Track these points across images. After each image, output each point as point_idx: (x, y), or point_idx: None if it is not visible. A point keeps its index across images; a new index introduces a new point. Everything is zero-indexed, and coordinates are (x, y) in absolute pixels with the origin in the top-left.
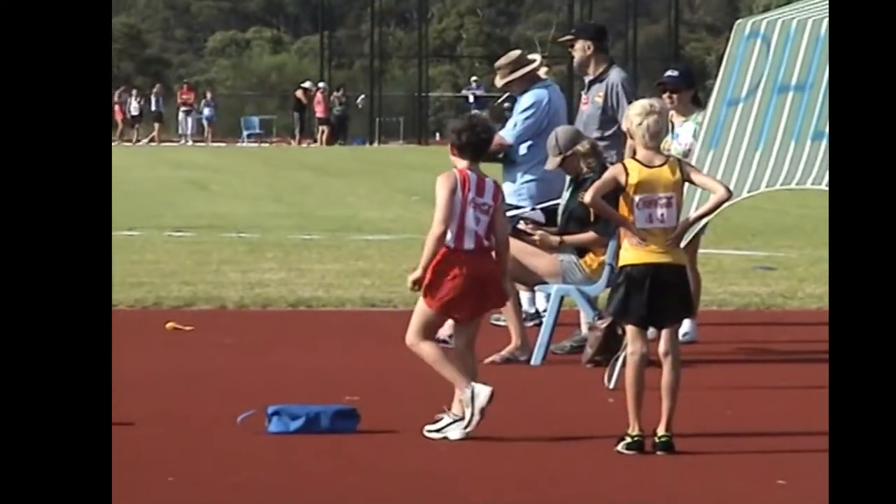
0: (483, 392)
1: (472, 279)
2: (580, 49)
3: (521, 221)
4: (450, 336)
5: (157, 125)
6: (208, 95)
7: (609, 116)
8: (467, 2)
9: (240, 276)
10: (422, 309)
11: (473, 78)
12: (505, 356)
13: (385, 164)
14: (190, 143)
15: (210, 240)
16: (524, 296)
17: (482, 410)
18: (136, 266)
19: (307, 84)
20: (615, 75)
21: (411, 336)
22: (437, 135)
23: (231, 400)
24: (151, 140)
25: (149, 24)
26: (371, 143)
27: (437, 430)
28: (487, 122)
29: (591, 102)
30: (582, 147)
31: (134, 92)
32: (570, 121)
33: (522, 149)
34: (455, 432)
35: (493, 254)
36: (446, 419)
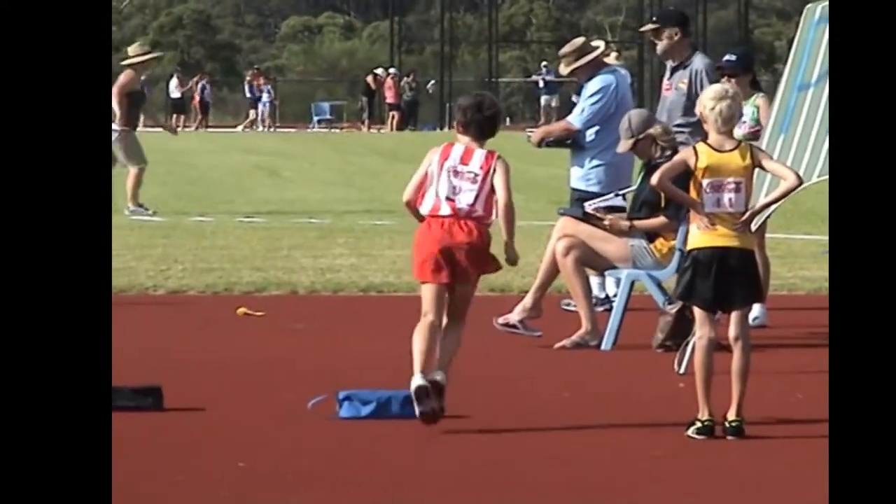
0: (414, 382)
1: (443, 245)
2: (668, 37)
3: (591, 206)
4: (520, 320)
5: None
6: (260, 81)
7: (693, 103)
8: None
9: (311, 261)
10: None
11: (543, 63)
12: (575, 341)
13: None
14: (262, 128)
15: (281, 225)
16: (594, 280)
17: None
18: (207, 252)
19: (379, 70)
20: (699, 62)
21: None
22: (508, 120)
23: (302, 385)
24: (200, 125)
25: (219, 10)
26: (441, 128)
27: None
28: (494, 100)
29: (674, 89)
30: (654, 130)
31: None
32: (639, 105)
33: (590, 134)
34: None
35: (478, 222)
36: None
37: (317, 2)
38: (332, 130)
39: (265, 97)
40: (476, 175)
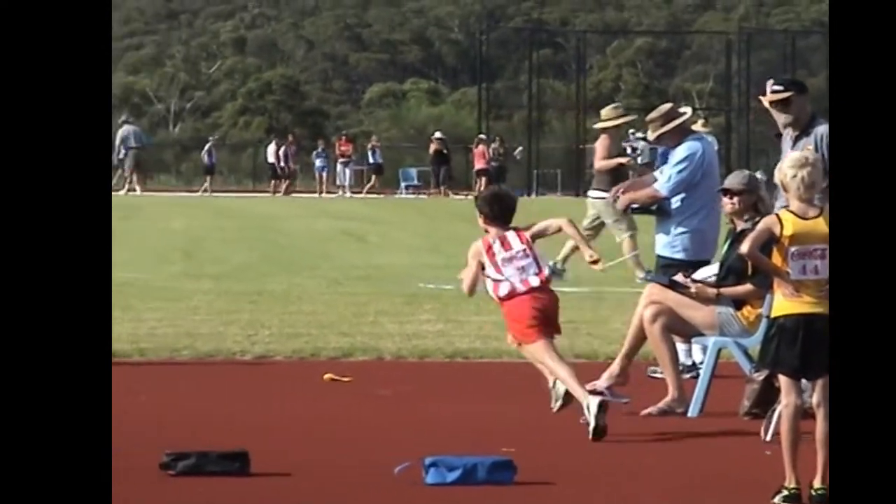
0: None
1: (538, 310)
2: (798, 104)
3: (680, 274)
4: (607, 387)
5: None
6: (319, 146)
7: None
8: (626, 54)
9: (397, 327)
10: (525, 350)
11: (631, 130)
12: (662, 408)
13: (542, 215)
14: (348, 194)
15: (367, 291)
16: (681, 347)
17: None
18: (293, 317)
19: (438, 134)
20: (822, 127)
21: (541, 367)
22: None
23: (388, 451)
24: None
25: (307, 76)
26: (528, 194)
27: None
28: (509, 190)
29: None
30: (763, 193)
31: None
32: (727, 173)
33: (675, 201)
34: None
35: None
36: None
37: (403, 68)
38: (420, 196)
39: (318, 162)
40: (524, 249)
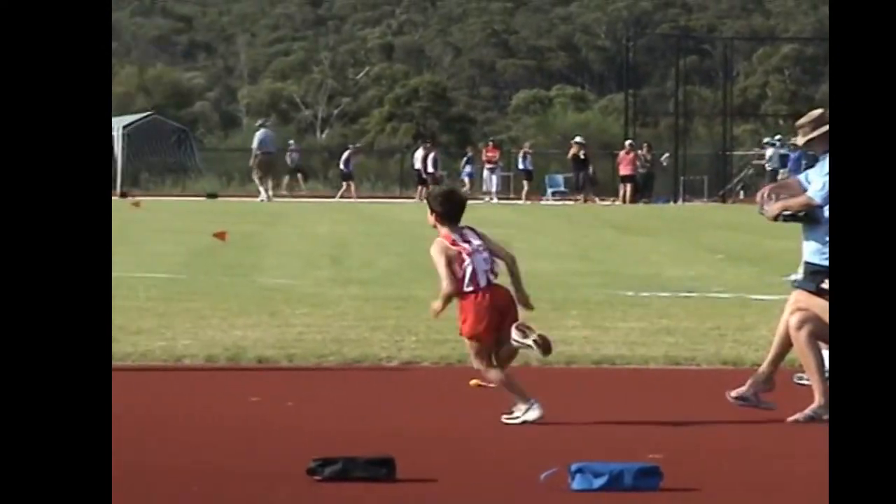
0: (536, 411)
1: (494, 308)
2: None
3: (827, 281)
4: (753, 393)
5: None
6: (468, 152)
7: None
8: (773, 60)
9: (545, 333)
10: (469, 345)
11: (765, 140)
12: (808, 415)
13: (688, 222)
14: (495, 200)
15: None
16: (827, 354)
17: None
18: (440, 323)
19: (578, 139)
20: None
21: (476, 365)
22: (742, 193)
23: (534, 457)
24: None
25: (454, 82)
26: (675, 201)
27: (517, 420)
28: (459, 189)
29: None
30: None
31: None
32: None
33: (827, 209)
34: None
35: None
36: (520, 411)
37: (550, 74)
38: (566, 202)
39: (468, 168)
40: (482, 245)
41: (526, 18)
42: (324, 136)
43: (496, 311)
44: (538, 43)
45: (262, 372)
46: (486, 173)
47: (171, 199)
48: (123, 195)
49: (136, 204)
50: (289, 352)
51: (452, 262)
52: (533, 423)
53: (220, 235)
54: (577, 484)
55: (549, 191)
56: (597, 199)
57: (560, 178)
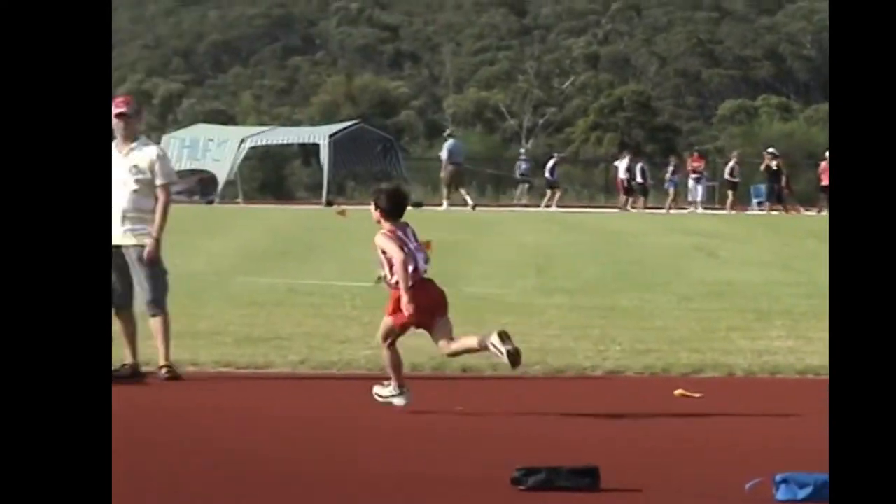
0: (403, 400)
1: (427, 299)
2: None
3: None
4: None
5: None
6: (672, 162)
7: None
8: None
9: (748, 343)
10: (386, 322)
11: None
12: None
13: None
14: (700, 210)
15: (718, 307)
16: None
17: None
18: (644, 332)
19: (772, 150)
20: None
21: (380, 340)
22: None
23: (739, 467)
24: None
25: (659, 92)
26: None
27: (383, 398)
28: (404, 188)
29: None
30: None
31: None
32: None
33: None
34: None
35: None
36: (390, 390)
37: (755, 84)
38: (772, 213)
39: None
40: (420, 244)
41: (731, 28)
42: (529, 145)
43: (430, 302)
44: (743, 53)
45: (467, 381)
46: (690, 183)
47: None
48: (329, 203)
49: (342, 213)
50: (493, 361)
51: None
52: (396, 407)
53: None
54: (781, 494)
55: (754, 200)
56: (801, 208)
57: (763, 187)
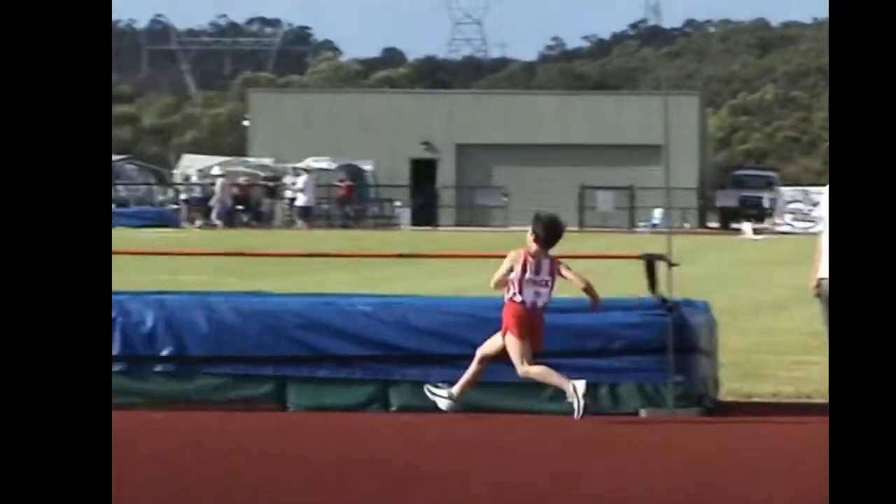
0: (581, 384)
1: (531, 323)
2: None
3: None
4: None
5: None
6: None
7: None
8: None
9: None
10: (512, 342)
11: None
12: None
13: None
14: None
15: None
16: None
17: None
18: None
19: None
20: None
21: (518, 366)
22: None
23: None
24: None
25: None
26: None
27: (434, 395)
28: (561, 219)
29: None
30: None
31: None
32: None
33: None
34: (443, 404)
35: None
36: (443, 392)
37: None
38: None
39: None
40: (548, 281)
41: None
42: None
43: (531, 323)
44: None
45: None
46: None
47: None
48: None
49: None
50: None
51: (514, 272)
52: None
53: None
54: None
55: None
56: None
57: None
